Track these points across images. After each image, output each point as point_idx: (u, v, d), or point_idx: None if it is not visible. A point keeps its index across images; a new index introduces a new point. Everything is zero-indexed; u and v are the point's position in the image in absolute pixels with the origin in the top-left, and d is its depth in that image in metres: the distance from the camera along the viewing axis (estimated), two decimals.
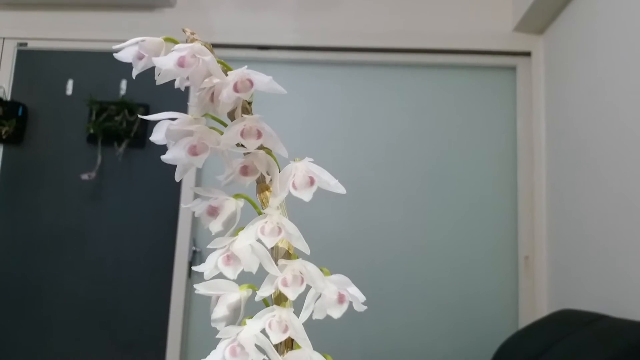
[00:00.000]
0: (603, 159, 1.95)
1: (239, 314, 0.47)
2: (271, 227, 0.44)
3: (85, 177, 2.59)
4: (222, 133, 0.46)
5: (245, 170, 0.45)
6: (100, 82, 2.70)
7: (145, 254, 2.64)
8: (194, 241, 2.62)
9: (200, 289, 0.46)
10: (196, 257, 2.62)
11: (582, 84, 2.15)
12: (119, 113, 2.60)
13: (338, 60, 2.73)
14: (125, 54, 0.46)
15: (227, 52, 2.68)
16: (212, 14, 2.75)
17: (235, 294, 0.47)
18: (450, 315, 2.52)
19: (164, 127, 0.46)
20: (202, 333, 2.56)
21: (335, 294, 0.45)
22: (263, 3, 2.77)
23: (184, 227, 2.61)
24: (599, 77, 2.02)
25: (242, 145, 0.45)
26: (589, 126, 2.08)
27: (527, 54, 2.61)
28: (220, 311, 0.45)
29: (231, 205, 0.47)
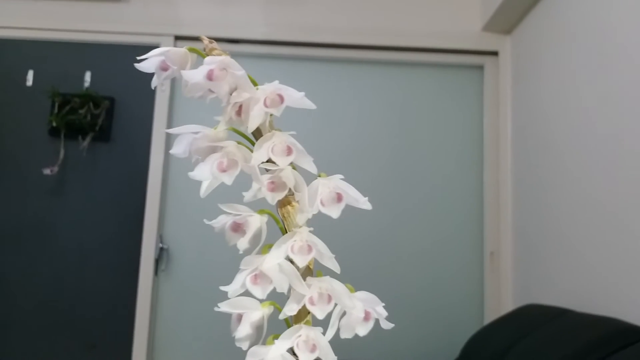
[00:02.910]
0: (568, 157, 2.01)
1: (262, 332, 0.46)
2: (300, 245, 0.44)
3: (47, 171, 2.50)
4: (247, 147, 0.45)
5: (272, 187, 0.44)
6: (62, 73, 2.61)
7: (110, 251, 2.57)
8: (160, 238, 2.58)
9: (224, 307, 0.45)
10: (163, 254, 2.57)
11: (548, 84, 2.21)
12: (83, 106, 2.52)
13: (308, 55, 2.71)
14: (148, 65, 0.44)
15: (195, 45, 2.60)
16: (180, 6, 2.69)
17: (258, 312, 0.46)
18: (416, 311, 2.55)
19: (185, 140, 0.45)
20: (169, 332, 2.52)
21: (362, 312, 0.45)
22: None
23: (150, 223, 2.56)
24: (564, 77, 2.07)
25: (271, 161, 0.44)
26: (554, 124, 2.14)
27: (495, 53, 2.66)
28: (244, 330, 0.44)
29: (256, 222, 0.46)
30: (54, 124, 2.52)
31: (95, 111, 2.52)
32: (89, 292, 2.55)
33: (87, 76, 2.59)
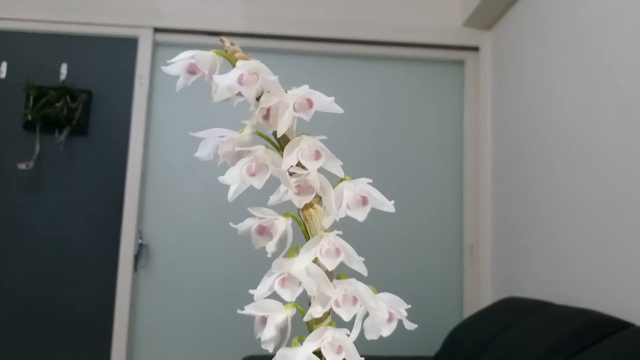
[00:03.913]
0: (547, 151, 2.05)
1: (287, 334, 0.46)
2: (327, 249, 0.44)
3: (22, 166, 2.44)
4: (274, 150, 0.45)
5: (298, 190, 0.45)
6: (38, 65, 2.54)
7: (89, 247, 2.53)
8: (139, 233, 2.54)
9: (249, 310, 0.45)
10: (142, 249, 2.54)
11: (528, 79, 2.25)
12: (59, 99, 2.46)
13: (288, 48, 2.70)
14: (175, 68, 0.44)
15: (175, 37, 2.59)
16: None
17: (281, 314, 0.46)
18: None
19: (210, 144, 0.45)
20: (149, 329, 2.49)
21: (387, 314, 0.46)
22: None
23: (129, 219, 2.52)
24: (544, 72, 2.11)
25: (300, 165, 0.44)
26: (534, 119, 2.18)
27: (475, 48, 2.69)
28: (269, 332, 0.44)
29: (282, 225, 0.46)
30: (29, 118, 2.45)
31: (72, 104, 2.47)
32: (67, 289, 2.50)
33: (64, 68, 2.53)
